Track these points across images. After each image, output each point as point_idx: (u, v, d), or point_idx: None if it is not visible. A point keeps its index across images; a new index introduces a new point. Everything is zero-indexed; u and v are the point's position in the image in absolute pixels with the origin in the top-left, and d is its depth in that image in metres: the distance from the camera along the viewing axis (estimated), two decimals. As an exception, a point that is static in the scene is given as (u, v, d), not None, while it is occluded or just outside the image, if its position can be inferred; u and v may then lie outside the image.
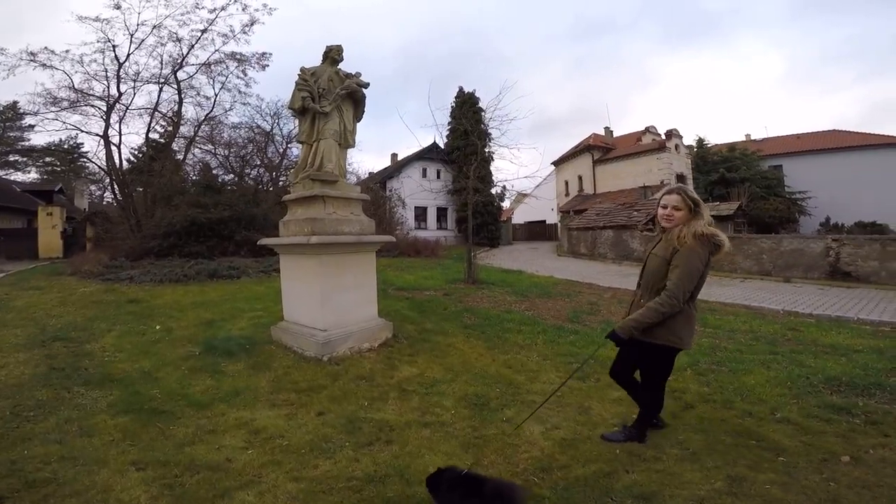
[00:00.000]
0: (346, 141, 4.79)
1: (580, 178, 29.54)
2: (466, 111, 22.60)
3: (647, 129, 27.79)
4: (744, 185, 22.33)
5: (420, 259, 15.02)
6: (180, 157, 17.41)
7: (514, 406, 3.25)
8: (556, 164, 32.88)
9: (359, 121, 5.00)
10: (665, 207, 2.44)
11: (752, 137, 30.21)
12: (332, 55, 4.75)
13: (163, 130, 17.36)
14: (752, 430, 2.82)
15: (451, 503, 1.90)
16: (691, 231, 2.29)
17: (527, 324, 5.75)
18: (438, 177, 26.55)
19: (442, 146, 23.23)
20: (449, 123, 24.20)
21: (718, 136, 31.20)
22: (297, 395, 3.42)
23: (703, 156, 26.45)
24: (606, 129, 32.02)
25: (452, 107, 24.35)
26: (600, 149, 28.97)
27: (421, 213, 26.44)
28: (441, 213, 27.43)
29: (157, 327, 5.42)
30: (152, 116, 16.38)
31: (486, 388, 3.56)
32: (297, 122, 4.91)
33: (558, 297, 7.93)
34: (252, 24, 16.39)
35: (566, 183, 31.53)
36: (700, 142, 28.05)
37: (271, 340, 4.74)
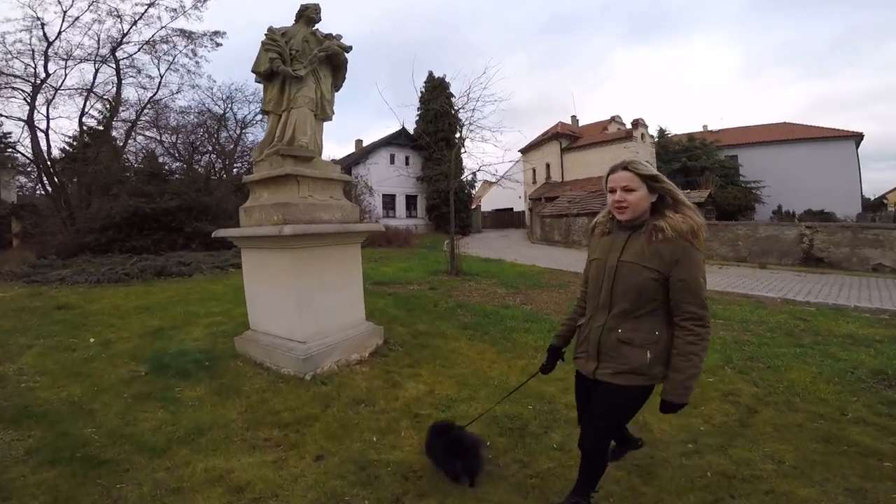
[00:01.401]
0: (323, 112, 3.98)
1: (548, 165, 29.44)
2: (437, 95, 21.75)
3: (613, 119, 28.02)
4: (703, 174, 22.97)
5: (393, 249, 14.23)
6: (121, 143, 15.56)
7: (558, 427, 2.69)
8: (524, 151, 32.67)
9: (338, 90, 4.20)
10: (613, 191, 1.60)
11: (710, 128, 31.16)
12: (308, 14, 3.91)
13: (100, 115, 15.42)
14: (834, 434, 2.63)
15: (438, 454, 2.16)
16: (688, 226, 1.50)
17: (530, 320, 5.21)
18: (407, 163, 25.63)
19: (411, 132, 22.34)
20: (419, 108, 23.29)
21: (678, 126, 31.90)
22: (282, 430, 2.67)
23: (665, 145, 26.98)
24: (573, 117, 32.08)
25: (422, 91, 23.40)
26: (567, 137, 28.96)
27: (389, 201, 25.44)
28: (410, 200, 26.55)
29: (92, 340, 4.44)
30: (86, 99, 14.41)
31: (516, 407, 2.93)
32: (261, 92, 4.01)
33: (551, 288, 7.48)
34: (206, 0, 14.76)
35: (534, 171, 31.38)
36: (661, 132, 28.58)
37: (236, 354, 3.91)
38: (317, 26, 3.99)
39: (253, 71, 3.78)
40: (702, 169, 23.89)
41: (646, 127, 25.33)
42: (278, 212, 3.50)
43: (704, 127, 31.67)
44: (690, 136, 27.60)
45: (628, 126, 25.92)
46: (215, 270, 9.06)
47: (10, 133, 16.37)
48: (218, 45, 15.52)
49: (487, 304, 6.12)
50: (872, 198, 29.72)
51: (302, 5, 3.88)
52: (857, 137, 24.94)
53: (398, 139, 24.62)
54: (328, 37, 3.91)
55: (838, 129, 25.30)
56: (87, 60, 14.18)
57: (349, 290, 3.98)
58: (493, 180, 10.35)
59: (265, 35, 3.68)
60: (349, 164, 23.72)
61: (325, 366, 3.55)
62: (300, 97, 3.71)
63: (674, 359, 1.50)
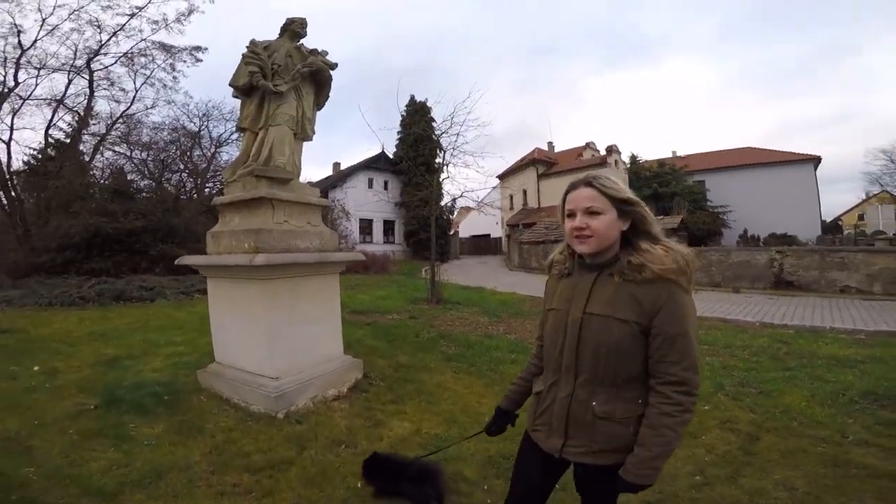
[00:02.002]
0: (303, 131, 3.80)
1: (525, 191, 29.90)
2: (418, 120, 21.90)
3: (588, 145, 28.88)
4: (674, 200, 23.75)
5: (370, 276, 13.91)
6: (87, 158, 14.85)
7: (558, 465, 2.45)
8: (501, 177, 33.13)
9: (320, 109, 4.04)
10: (572, 216, 1.21)
11: (679, 153, 32.45)
12: (294, 28, 3.75)
13: (69, 127, 14.74)
14: (840, 457, 2.61)
15: (383, 486, 2.17)
16: (674, 260, 1.13)
17: (516, 350, 5.01)
18: (386, 188, 25.45)
19: (391, 156, 22.30)
20: (399, 132, 23.36)
21: (649, 152, 33.22)
22: (253, 475, 2.38)
23: (637, 171, 27.89)
24: (549, 143, 32.90)
25: (403, 115, 23.53)
26: (544, 163, 29.59)
27: (366, 226, 25.12)
28: (388, 226, 26.29)
29: (36, 368, 4.07)
30: (55, 110, 13.84)
31: (511, 445, 2.68)
32: (238, 107, 3.80)
33: (533, 317, 7.33)
34: (190, 14, 14.52)
35: (511, 197, 31.80)
36: (633, 158, 29.60)
37: (199, 388, 3.57)
38: (302, 41, 3.84)
39: (231, 84, 3.57)
40: (672, 195, 24.72)
41: (619, 153, 26.19)
42: (250, 238, 3.23)
43: (673, 152, 32.96)
44: (661, 162, 28.64)
45: (602, 152, 26.73)
46: (180, 296, 8.59)
47: None
48: (198, 60, 15.29)
49: (471, 333, 5.92)
50: (828, 220, 31.35)
51: (288, 19, 3.73)
52: (816, 161, 26.21)
53: (377, 163, 24.54)
54: (313, 52, 3.77)
55: (798, 153, 26.60)
56: (61, 70, 13.70)
57: (326, 322, 3.72)
58: (476, 207, 10.25)
59: (247, 47, 3.50)
60: (326, 187, 23.39)
61: (300, 403, 3.25)
62: (280, 114, 3.52)
63: (642, 430, 1.13)
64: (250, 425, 2.95)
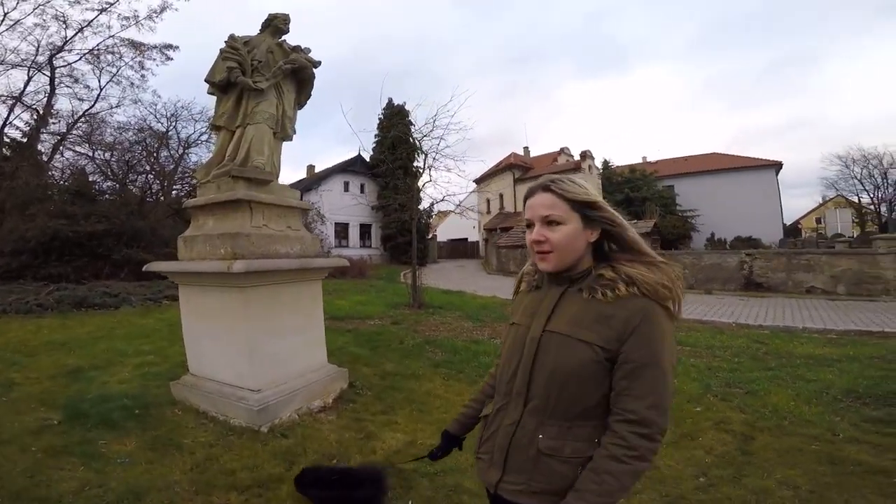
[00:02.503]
0: (283, 130, 3.63)
1: (501, 196, 30.12)
2: (396, 123, 21.72)
3: (563, 150, 29.37)
4: (645, 204, 24.40)
5: (348, 281, 13.62)
6: (46, 158, 14.03)
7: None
8: (478, 181, 33.28)
9: (301, 108, 3.89)
10: (531, 226, 1.05)
11: (648, 159, 33.39)
12: (277, 24, 3.61)
13: (26, 126, 13.90)
14: (836, 455, 2.65)
15: (321, 497, 2.08)
16: (659, 276, 0.95)
17: (504, 355, 4.91)
18: (362, 191, 25.05)
19: (367, 159, 22.02)
20: (376, 136, 23.10)
21: (620, 158, 34.02)
22: (241, 495, 2.20)
23: (609, 177, 28.55)
24: (525, 148, 33.28)
25: (381, 118, 23.30)
26: (520, 167, 29.89)
27: (342, 230, 24.67)
28: (364, 229, 25.91)
29: None
30: (12, 108, 13.06)
31: None
32: (212, 108, 3.60)
33: (517, 320, 7.28)
34: (163, 11, 13.97)
35: (488, 201, 31.98)
36: (605, 163, 30.28)
37: (173, 401, 3.36)
38: (284, 38, 3.68)
39: (207, 80, 3.38)
40: (643, 199, 25.40)
41: (593, 158, 26.73)
42: (226, 244, 3.04)
43: (644, 158, 33.88)
44: (632, 168, 29.38)
45: (577, 157, 27.21)
46: (147, 303, 8.19)
47: None
48: (168, 59, 14.76)
49: (456, 339, 5.81)
50: (788, 223, 32.82)
51: (270, 14, 3.57)
52: (777, 166, 27.41)
53: (353, 166, 24.20)
54: (296, 49, 3.61)
55: (760, 159, 27.76)
56: (20, 66, 12.95)
57: (309, 331, 3.55)
58: (457, 211, 10.16)
59: (225, 42, 3.32)
60: (300, 189, 22.66)
61: (284, 416, 3.09)
62: (259, 112, 3.35)
63: (583, 473, 0.91)
64: (232, 440, 2.78)
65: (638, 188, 26.57)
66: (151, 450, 2.62)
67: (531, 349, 1.00)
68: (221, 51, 3.31)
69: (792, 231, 31.74)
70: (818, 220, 37.80)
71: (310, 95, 3.82)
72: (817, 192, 42.99)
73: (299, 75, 3.62)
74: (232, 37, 3.36)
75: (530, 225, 1.03)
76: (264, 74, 3.34)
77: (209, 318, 3.29)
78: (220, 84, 3.33)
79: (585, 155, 26.15)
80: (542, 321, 1.01)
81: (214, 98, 3.52)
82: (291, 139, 3.78)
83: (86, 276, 9.83)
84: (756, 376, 4.14)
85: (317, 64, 3.65)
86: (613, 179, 28.05)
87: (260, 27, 3.62)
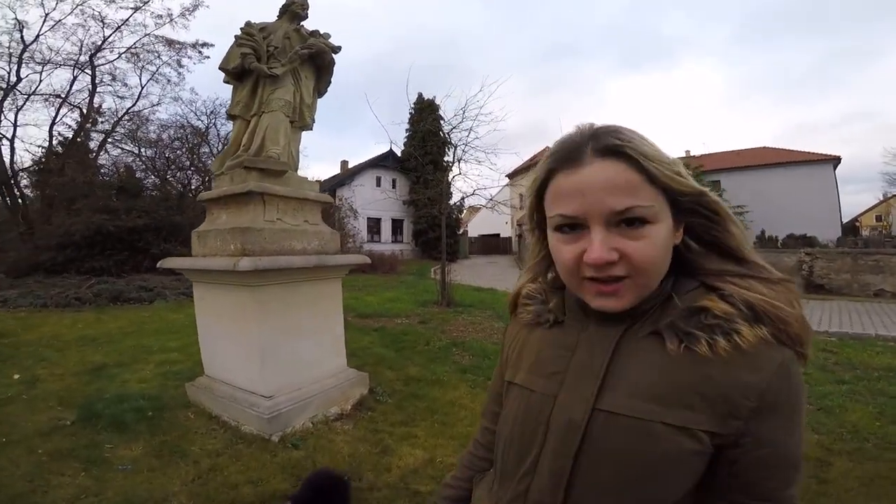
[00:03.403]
0: (301, 118, 3.41)
1: (535, 190, 29.42)
2: (426, 117, 21.52)
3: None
4: (691, 201, 23.08)
5: (378, 276, 13.54)
6: (93, 155, 14.70)
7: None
8: (511, 176, 32.63)
9: (321, 96, 3.67)
10: (574, 227, 0.55)
11: (692, 154, 31.73)
12: (294, 9, 3.40)
13: (74, 124, 14.60)
14: None
15: None
16: (789, 303, 0.54)
17: (537, 362, 4.56)
18: (394, 186, 25.02)
19: (398, 153, 21.90)
20: (407, 130, 22.99)
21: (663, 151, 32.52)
22: (244, 512, 2.01)
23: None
24: (560, 142, 32.33)
25: (411, 113, 23.16)
26: (554, 161, 29.05)
27: (374, 225, 24.65)
28: (396, 224, 25.82)
29: (16, 376, 3.82)
30: (59, 107, 13.72)
31: None
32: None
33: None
34: (195, 9, 14.34)
35: (521, 196, 31.32)
36: (646, 157, 28.89)
37: (188, 403, 3.24)
38: (303, 23, 3.47)
39: (221, 68, 3.21)
40: (686, 195, 24.09)
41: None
42: (237, 239, 2.84)
43: (687, 152, 32.15)
44: (676, 163, 27.96)
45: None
46: (180, 297, 8.29)
47: None
48: (204, 57, 15.10)
49: (486, 341, 5.47)
50: (845, 221, 30.50)
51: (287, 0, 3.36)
52: (835, 161, 25.48)
53: (385, 161, 24.15)
54: (314, 34, 3.39)
55: (817, 153, 25.92)
56: (65, 66, 13.55)
57: (327, 333, 3.32)
58: (488, 206, 9.79)
59: (240, 28, 3.13)
60: (334, 185, 23.12)
61: (298, 424, 2.88)
62: (274, 100, 3.14)
63: None
64: (241, 449, 2.61)
65: (682, 184, 25.25)
66: (156, 456, 2.51)
67: (569, 438, 0.56)
68: (236, 37, 3.13)
69: (850, 229, 29.44)
70: (878, 218, 34.95)
71: (329, 83, 3.59)
72: (876, 189, 39.88)
73: (317, 61, 3.38)
74: (247, 23, 3.18)
75: (572, 226, 0.55)
76: (280, 60, 3.13)
77: (221, 317, 3.12)
78: (235, 71, 3.15)
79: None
80: (588, 392, 0.57)
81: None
82: (311, 128, 3.57)
83: (126, 269, 10.16)
84: (829, 391, 3.71)
85: (336, 49, 3.41)
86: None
87: (277, 13, 3.42)
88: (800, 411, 0.53)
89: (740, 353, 0.51)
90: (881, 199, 33.72)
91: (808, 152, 26.38)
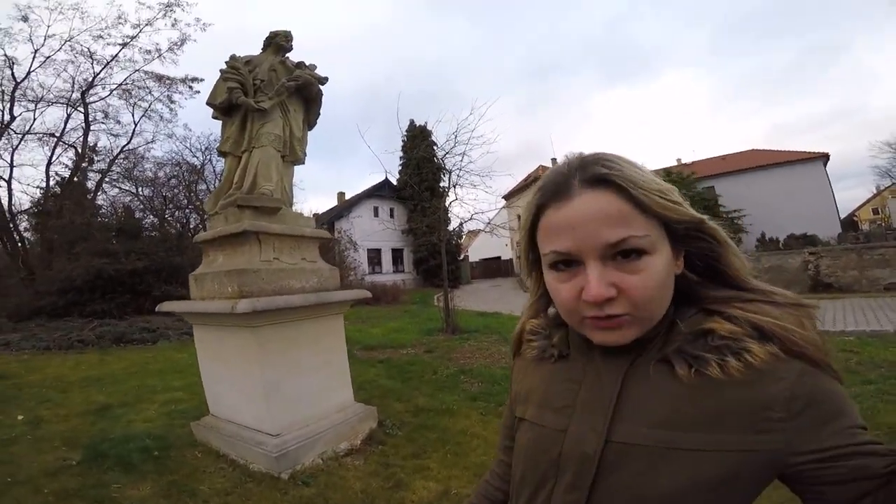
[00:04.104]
0: (293, 152, 3.44)
1: (532, 209, 29.52)
2: (419, 143, 21.85)
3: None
4: (685, 209, 23.10)
5: (382, 307, 13.49)
6: (90, 196, 14.74)
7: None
8: (507, 197, 32.86)
9: (311, 128, 3.71)
10: (569, 265, 0.52)
11: (683, 161, 32.00)
12: (278, 41, 3.46)
13: (71, 163, 14.68)
14: None
15: None
16: (797, 322, 0.51)
17: (547, 383, 4.47)
18: (392, 215, 25.04)
19: (394, 182, 22.11)
20: (401, 158, 23.26)
21: (653, 162, 32.86)
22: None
23: (647, 181, 27.32)
24: (553, 160, 32.70)
25: (404, 141, 23.51)
26: (549, 179, 29.25)
27: (375, 256, 24.62)
28: (397, 254, 25.79)
29: (20, 417, 3.84)
30: (55, 147, 13.85)
31: None
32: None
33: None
34: (182, 43, 14.68)
35: (518, 217, 31.45)
36: (639, 169, 29.07)
37: (194, 442, 3.18)
38: (288, 55, 3.53)
39: (208, 103, 3.25)
40: (682, 203, 24.14)
41: (625, 165, 25.79)
42: (233, 281, 2.80)
43: (678, 160, 32.46)
44: (667, 171, 28.09)
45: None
46: (183, 337, 8.22)
47: None
48: (195, 92, 15.33)
49: (494, 366, 5.39)
50: (843, 217, 30.48)
51: (271, 32, 3.44)
52: (825, 158, 25.57)
53: (381, 190, 24.36)
54: (300, 66, 3.44)
55: (805, 152, 26.07)
56: (58, 104, 13.71)
57: (331, 368, 3.26)
58: (486, 229, 9.79)
59: (225, 63, 3.18)
60: (332, 218, 23.22)
61: (307, 461, 2.81)
62: (264, 134, 3.16)
63: None
64: (250, 488, 2.55)
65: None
66: (165, 496, 2.47)
67: (582, 472, 0.54)
68: (221, 71, 3.18)
69: (849, 224, 29.41)
70: (875, 211, 34.99)
71: (319, 114, 3.63)
72: (868, 182, 40.09)
73: (305, 93, 3.43)
74: (232, 57, 3.23)
75: (567, 263, 0.52)
76: (267, 93, 3.17)
77: (224, 358, 3.07)
78: (222, 106, 3.18)
79: (617, 161, 25.29)
80: (599, 423, 0.54)
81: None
82: (303, 162, 3.59)
83: (128, 311, 10.14)
84: (857, 392, 3.61)
85: (323, 80, 3.46)
86: (649, 185, 26.86)
87: (262, 46, 3.48)
88: (847, 412, 0.48)
89: (754, 371, 0.49)
90: (875, 192, 33.83)
91: (797, 151, 26.59)
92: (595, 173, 0.50)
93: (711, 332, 0.51)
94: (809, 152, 25.92)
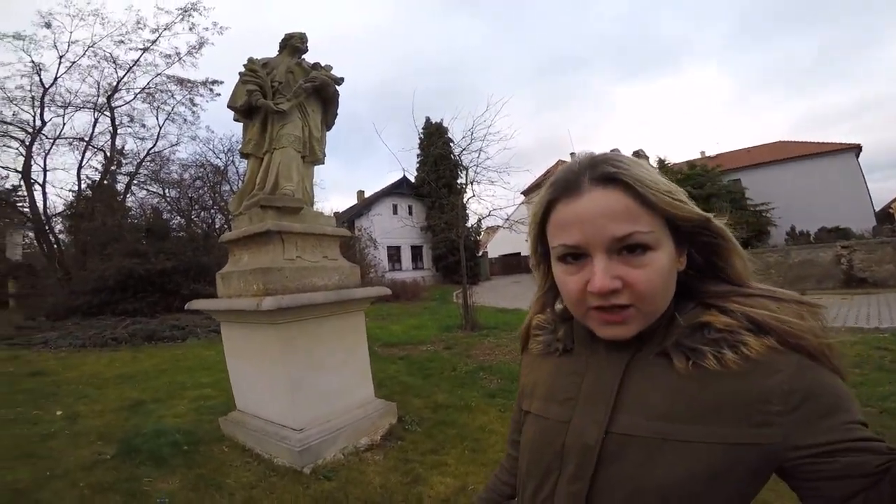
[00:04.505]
0: (312, 153, 3.50)
1: (551, 204, 29.20)
2: (436, 141, 21.86)
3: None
4: (710, 202, 22.49)
5: (401, 304, 13.61)
6: (119, 198, 15.26)
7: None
8: (526, 193, 32.58)
9: (329, 128, 3.76)
10: (577, 258, 0.54)
11: (707, 154, 31.11)
12: (294, 43, 3.53)
13: (101, 167, 15.19)
14: None
15: None
16: (796, 314, 0.52)
17: (567, 379, 4.45)
18: (410, 213, 25.13)
19: (412, 179, 22.20)
20: (418, 156, 23.32)
21: (675, 155, 32.12)
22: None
23: (667, 175, 26.64)
24: (572, 154, 32.18)
25: (421, 138, 23.55)
26: (568, 174, 28.87)
27: (395, 254, 24.78)
28: (416, 251, 25.89)
29: (59, 413, 4.00)
30: (85, 150, 14.35)
31: None
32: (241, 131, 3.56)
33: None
34: (201, 47, 15.05)
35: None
36: (661, 162, 28.43)
37: (222, 436, 3.29)
38: (304, 57, 3.59)
39: (229, 106, 3.33)
40: (707, 196, 23.43)
41: (646, 157, 25.26)
42: (258, 279, 2.89)
43: (702, 153, 31.58)
44: (691, 164, 27.39)
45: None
46: (211, 334, 8.46)
47: (19, 187, 15.53)
48: (216, 94, 15.64)
49: (513, 363, 5.35)
50: (878, 209, 29.11)
51: (286, 34, 3.50)
52: (857, 149, 24.60)
53: (400, 188, 24.47)
54: (316, 66, 3.50)
55: (836, 143, 25.07)
56: (85, 108, 14.13)
57: (352, 365, 3.32)
58: (506, 226, 9.75)
59: (243, 66, 3.26)
60: (352, 216, 23.44)
61: (329, 455, 2.87)
62: (284, 136, 3.23)
63: None
64: (274, 481, 2.63)
65: (701, 185, 24.51)
66: (193, 489, 2.55)
67: (584, 462, 0.55)
68: (240, 74, 3.26)
69: (884, 217, 28.01)
70: (911, 203, 33.28)
71: (336, 114, 3.69)
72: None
73: (322, 94, 3.48)
74: (250, 60, 3.31)
75: (575, 256, 0.54)
76: (285, 95, 3.24)
77: (249, 355, 3.17)
78: (243, 109, 3.26)
79: (639, 154, 24.66)
80: (600, 415, 0.56)
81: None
82: (323, 162, 3.65)
83: (159, 310, 10.47)
84: (891, 391, 3.52)
85: (339, 81, 3.51)
86: (672, 178, 25.84)
87: (278, 48, 3.55)
88: (845, 407, 0.48)
89: (751, 363, 0.50)
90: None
91: (827, 143, 25.56)
92: (604, 171, 0.53)
93: (708, 325, 0.53)
94: (840, 143, 24.95)
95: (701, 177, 25.21)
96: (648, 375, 0.55)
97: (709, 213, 0.56)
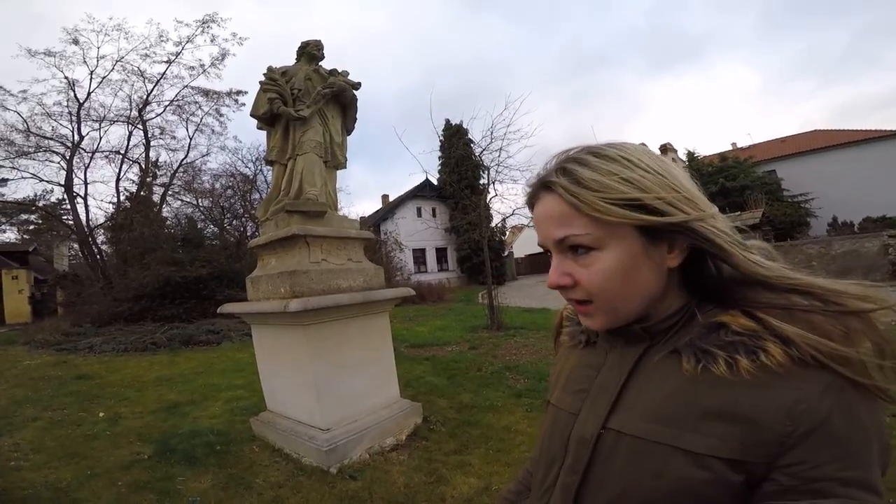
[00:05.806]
0: (334, 158, 3.57)
1: (577, 202, 28.75)
2: (456, 142, 21.89)
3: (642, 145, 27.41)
4: (744, 194, 21.63)
5: (427, 305, 13.70)
6: (156, 209, 15.98)
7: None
8: (550, 190, 32.18)
9: (349, 133, 3.82)
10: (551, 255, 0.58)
11: (739, 146, 29.97)
12: (310, 50, 3.61)
13: (138, 179, 15.94)
14: None
15: None
16: (828, 321, 0.45)
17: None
18: (434, 215, 25.26)
19: (435, 182, 22.28)
20: (440, 157, 23.42)
21: (706, 148, 31.04)
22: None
23: (697, 168, 25.76)
24: (596, 150, 31.61)
25: (441, 140, 23.63)
26: (593, 171, 28.37)
27: (420, 256, 24.91)
28: (441, 253, 25.97)
29: (101, 414, 4.20)
30: (121, 163, 15.11)
31: None
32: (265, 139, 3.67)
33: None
34: (223, 58, 15.57)
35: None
36: (691, 155, 27.54)
37: (253, 437, 3.38)
38: (321, 63, 3.68)
39: (252, 115, 3.45)
40: (742, 188, 22.56)
41: (675, 151, 24.55)
42: (285, 282, 2.97)
43: (734, 145, 30.49)
44: (723, 156, 26.43)
45: (658, 152, 25.20)
46: (244, 338, 8.74)
47: (63, 201, 16.51)
48: (240, 104, 16.13)
49: (541, 363, 5.30)
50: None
51: (303, 42, 3.59)
52: (900, 136, 23.18)
53: (423, 191, 24.60)
54: (333, 73, 3.57)
55: (878, 130, 23.62)
56: (119, 122, 14.81)
57: (378, 365, 3.36)
58: (531, 225, 9.67)
59: (263, 75, 3.36)
60: (377, 220, 23.73)
61: (355, 455, 2.91)
62: (306, 142, 3.31)
63: None
64: (301, 481, 2.68)
65: (734, 177, 23.64)
66: (223, 489, 2.63)
67: (579, 455, 0.56)
68: (260, 83, 3.36)
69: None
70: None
71: (356, 119, 3.74)
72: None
73: (341, 99, 3.55)
74: (269, 68, 3.40)
75: (548, 251, 0.58)
76: (305, 102, 3.32)
77: (278, 356, 3.25)
78: (265, 117, 3.36)
79: (666, 148, 24.10)
80: (601, 409, 0.56)
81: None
82: (345, 166, 3.72)
83: (195, 315, 10.89)
84: None
85: (357, 86, 3.57)
86: (703, 171, 25.29)
87: (295, 56, 3.64)
88: (854, 462, 0.42)
89: (769, 374, 0.45)
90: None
91: (870, 130, 24.20)
92: (546, 179, 0.54)
93: (724, 325, 0.49)
94: (883, 130, 23.55)
95: (734, 168, 24.31)
96: (655, 374, 0.53)
97: (680, 215, 0.49)
